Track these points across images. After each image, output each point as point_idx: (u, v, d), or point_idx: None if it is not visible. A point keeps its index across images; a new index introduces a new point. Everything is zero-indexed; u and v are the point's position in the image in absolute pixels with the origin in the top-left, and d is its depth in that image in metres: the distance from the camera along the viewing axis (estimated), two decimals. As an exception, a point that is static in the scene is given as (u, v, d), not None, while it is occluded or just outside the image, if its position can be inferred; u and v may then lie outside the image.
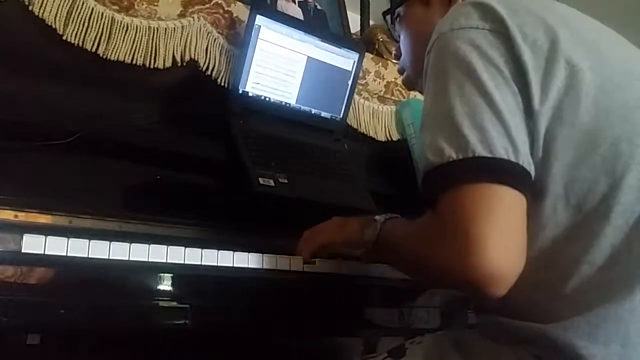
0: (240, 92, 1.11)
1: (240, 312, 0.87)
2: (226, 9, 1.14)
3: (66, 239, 0.71)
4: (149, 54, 1.03)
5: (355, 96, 1.31)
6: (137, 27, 1.02)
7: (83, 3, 0.96)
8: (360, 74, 1.28)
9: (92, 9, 0.97)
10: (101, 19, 0.98)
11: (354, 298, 1.01)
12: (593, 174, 0.63)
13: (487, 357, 0.69)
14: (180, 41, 1.07)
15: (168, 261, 0.78)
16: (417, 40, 0.90)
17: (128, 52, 1.01)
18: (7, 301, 0.67)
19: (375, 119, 1.37)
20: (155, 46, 1.04)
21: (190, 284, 0.81)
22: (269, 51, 1.12)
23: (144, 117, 1.00)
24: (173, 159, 0.96)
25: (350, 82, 1.24)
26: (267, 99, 1.15)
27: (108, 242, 0.74)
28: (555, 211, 0.64)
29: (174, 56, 1.06)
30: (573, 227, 0.63)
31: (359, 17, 1.71)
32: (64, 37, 0.95)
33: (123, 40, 1.00)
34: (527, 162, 0.62)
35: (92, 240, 0.73)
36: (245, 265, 0.85)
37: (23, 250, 0.69)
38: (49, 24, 0.93)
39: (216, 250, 0.83)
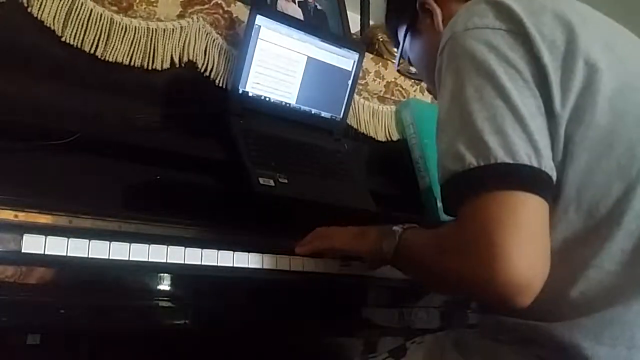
0: (240, 92, 1.11)
1: (240, 312, 0.86)
2: (226, 9, 1.14)
3: (66, 239, 0.71)
4: (148, 55, 1.03)
5: (355, 96, 1.31)
6: (135, 28, 1.02)
7: (82, 4, 0.96)
8: (360, 74, 1.28)
9: (91, 10, 0.97)
10: (100, 20, 0.98)
11: (354, 298, 1.01)
12: (607, 178, 0.62)
13: (488, 357, 0.69)
14: (179, 42, 1.07)
15: (168, 261, 0.78)
16: (426, 61, 0.90)
17: (127, 53, 1.00)
18: (7, 301, 0.67)
19: (375, 119, 1.37)
20: (154, 47, 1.04)
21: (190, 284, 0.81)
22: (269, 51, 1.12)
23: (144, 117, 1.00)
24: (173, 159, 0.96)
25: (350, 82, 1.24)
26: (267, 99, 1.15)
27: (108, 242, 0.74)
28: (566, 214, 0.63)
29: (172, 57, 1.06)
30: (583, 231, 0.63)
31: (359, 17, 1.71)
32: (63, 39, 0.95)
33: (122, 41, 1.00)
34: (549, 166, 0.60)
35: (92, 240, 0.73)
36: (245, 265, 0.85)
37: (23, 250, 0.68)
38: (48, 25, 0.93)
39: (216, 250, 0.83)
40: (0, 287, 0.67)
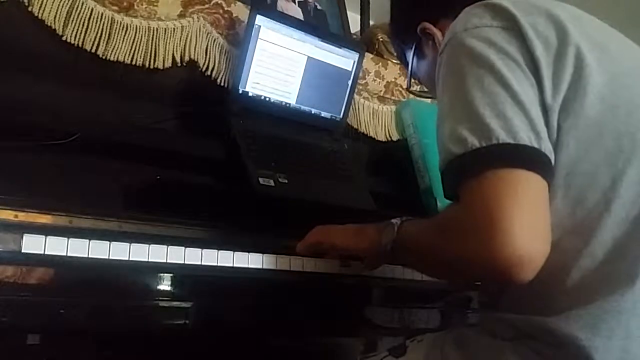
0: (240, 92, 1.11)
1: (240, 312, 0.86)
2: (226, 9, 1.14)
3: (66, 239, 0.71)
4: (149, 54, 1.03)
5: (356, 96, 1.31)
6: (136, 27, 1.02)
7: (83, 3, 0.96)
8: (360, 74, 1.28)
9: (92, 9, 0.97)
10: (101, 19, 0.98)
11: (354, 298, 1.01)
12: (595, 167, 0.64)
13: (488, 353, 0.69)
14: (180, 41, 1.07)
15: (168, 261, 0.78)
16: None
17: (128, 52, 1.01)
18: (7, 301, 0.67)
19: (375, 119, 1.37)
20: (155, 46, 1.04)
21: (190, 284, 0.81)
22: (269, 51, 1.12)
23: (144, 117, 1.00)
24: (173, 159, 0.96)
25: (350, 82, 1.24)
26: (267, 99, 1.15)
27: (108, 242, 0.74)
28: (554, 200, 0.64)
29: (173, 56, 1.06)
30: (573, 219, 0.64)
31: (359, 17, 1.71)
32: (64, 38, 0.95)
33: (123, 41, 1.00)
34: (548, 149, 0.62)
35: (92, 240, 0.73)
36: (245, 265, 0.85)
37: (23, 250, 0.68)
38: (49, 24, 0.93)
39: (216, 250, 0.83)
40: (0, 287, 0.67)
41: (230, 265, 0.84)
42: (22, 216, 0.71)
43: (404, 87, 1.12)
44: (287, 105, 1.18)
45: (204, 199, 0.97)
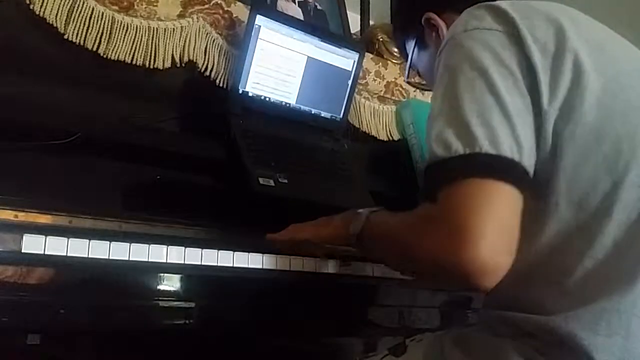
0: (240, 92, 1.11)
1: (240, 312, 0.87)
2: (226, 9, 1.14)
3: (66, 239, 0.71)
4: (149, 54, 1.03)
5: (356, 96, 1.31)
6: (136, 27, 1.02)
7: (84, 3, 0.96)
8: (360, 74, 1.28)
9: (93, 8, 0.97)
10: (101, 18, 0.98)
11: (354, 298, 1.01)
12: (595, 171, 0.64)
13: (488, 351, 0.69)
14: (180, 42, 1.07)
15: (168, 261, 0.78)
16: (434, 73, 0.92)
17: (128, 52, 1.01)
18: (7, 301, 0.67)
19: (376, 118, 1.37)
20: (155, 46, 1.04)
21: (190, 284, 0.81)
22: (269, 51, 1.12)
23: (144, 117, 1.00)
24: (173, 159, 0.96)
25: (350, 82, 1.24)
26: (267, 99, 1.15)
27: (108, 242, 0.74)
28: (558, 207, 0.65)
29: (173, 56, 1.06)
30: (576, 223, 0.65)
31: (359, 17, 1.71)
32: (65, 37, 0.95)
33: (123, 40, 1.00)
34: (528, 163, 0.63)
35: (92, 240, 0.73)
36: (245, 265, 0.85)
37: (23, 250, 0.69)
38: (50, 23, 0.93)
39: (216, 250, 0.83)
40: (0, 287, 0.67)
41: (230, 265, 0.84)
42: (22, 216, 0.71)
43: (405, 81, 1.11)
44: (287, 105, 1.18)
45: (204, 199, 0.97)
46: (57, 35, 0.94)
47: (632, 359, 0.60)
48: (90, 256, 0.72)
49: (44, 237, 0.70)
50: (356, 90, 1.28)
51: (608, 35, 0.75)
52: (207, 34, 1.10)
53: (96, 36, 0.97)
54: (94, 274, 0.74)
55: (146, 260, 0.77)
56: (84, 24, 0.96)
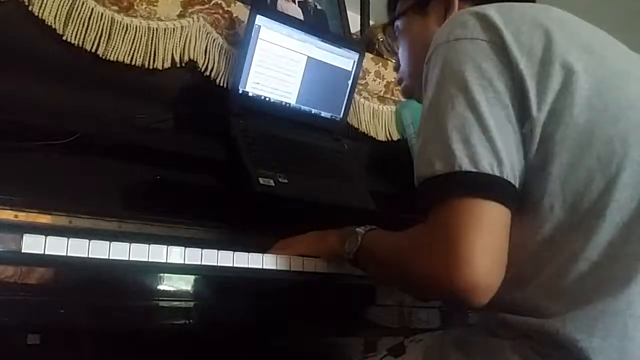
0: (240, 92, 1.11)
1: (240, 312, 0.86)
2: (226, 9, 1.14)
3: (66, 239, 0.71)
4: (149, 54, 1.03)
5: (356, 96, 1.31)
6: (136, 27, 1.02)
7: (83, 3, 0.96)
8: (360, 74, 1.28)
9: (92, 9, 0.97)
10: (101, 19, 0.98)
11: (353, 298, 1.01)
12: (589, 173, 0.64)
13: (487, 352, 0.69)
14: (180, 42, 1.07)
15: (168, 261, 0.78)
16: (416, 50, 0.91)
17: (127, 52, 1.01)
18: (7, 301, 0.67)
19: (375, 118, 1.37)
20: (155, 46, 1.04)
21: (190, 284, 0.81)
22: (269, 51, 1.12)
23: (144, 117, 1.00)
24: (173, 159, 0.96)
25: (350, 82, 1.24)
26: (267, 99, 1.15)
27: (108, 242, 0.74)
28: (552, 209, 0.65)
29: (173, 56, 1.06)
30: (570, 225, 0.65)
31: (359, 17, 1.71)
32: (64, 37, 0.95)
33: (122, 41, 1.00)
34: (511, 175, 0.64)
35: (92, 240, 0.73)
36: (245, 265, 0.85)
37: (23, 250, 0.68)
38: (49, 24, 0.93)
39: (216, 250, 0.83)
40: (0, 287, 0.67)
41: (230, 265, 0.84)
42: (22, 216, 0.71)
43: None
44: (287, 105, 1.18)
45: (204, 199, 0.97)
46: (56, 36, 0.94)
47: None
48: (90, 256, 0.72)
49: (44, 237, 0.70)
50: (356, 90, 1.28)
51: (597, 35, 0.75)
52: (207, 33, 1.11)
53: (95, 37, 0.97)
54: (94, 274, 0.73)
55: (146, 260, 0.76)
56: (83, 24, 0.96)
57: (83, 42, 0.96)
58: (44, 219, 0.73)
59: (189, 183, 0.98)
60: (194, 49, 1.08)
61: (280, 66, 1.14)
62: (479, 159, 0.63)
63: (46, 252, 0.69)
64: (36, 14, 0.92)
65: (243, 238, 0.89)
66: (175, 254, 0.79)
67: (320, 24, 1.37)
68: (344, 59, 1.22)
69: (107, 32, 0.99)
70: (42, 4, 0.92)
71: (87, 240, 0.72)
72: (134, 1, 1.02)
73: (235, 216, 0.93)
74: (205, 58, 1.10)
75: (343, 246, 0.83)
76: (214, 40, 1.12)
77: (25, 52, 0.92)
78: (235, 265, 0.84)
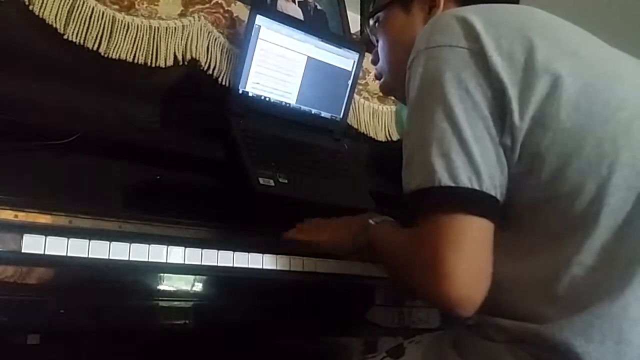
0: (240, 92, 1.11)
1: (240, 312, 0.86)
2: (226, 8, 1.14)
3: (66, 239, 0.71)
4: (150, 53, 1.03)
5: (356, 96, 1.31)
6: (138, 26, 1.02)
7: (84, 2, 0.96)
8: (360, 74, 1.28)
9: (93, 8, 0.97)
10: (102, 18, 0.98)
11: (354, 298, 1.01)
12: (579, 176, 0.63)
13: (485, 356, 0.69)
14: (182, 40, 1.07)
15: (168, 261, 0.78)
16: (397, 47, 0.89)
17: (129, 51, 1.01)
18: (7, 301, 0.67)
19: (375, 119, 1.37)
20: (156, 45, 1.04)
21: (190, 284, 0.81)
22: (269, 51, 1.12)
23: (144, 116, 1.00)
24: (173, 159, 0.96)
25: (350, 82, 1.24)
26: (267, 99, 1.15)
27: (108, 242, 0.74)
28: (543, 214, 0.65)
29: (175, 55, 1.06)
30: (563, 229, 0.64)
31: (359, 17, 1.71)
32: (65, 37, 0.95)
33: (124, 40, 1.00)
34: (491, 187, 0.64)
35: (92, 240, 0.73)
36: (245, 265, 0.85)
37: (23, 250, 0.68)
38: (49, 23, 0.93)
39: (216, 250, 0.83)
40: (0, 287, 0.67)
41: (230, 265, 0.84)
42: (22, 216, 0.71)
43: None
44: (287, 105, 1.18)
45: (204, 199, 0.97)
46: (57, 35, 0.94)
47: None
48: (90, 256, 0.72)
49: (44, 237, 0.70)
50: (356, 90, 1.28)
51: (580, 37, 0.74)
52: (209, 32, 1.11)
53: (96, 36, 0.97)
54: (94, 274, 0.73)
55: (146, 260, 0.76)
56: (84, 23, 0.96)
57: (84, 41, 0.96)
58: (44, 219, 0.73)
59: (189, 183, 0.98)
60: (196, 48, 1.08)
61: (280, 66, 1.14)
62: (458, 174, 0.63)
63: (46, 252, 0.69)
64: (37, 13, 0.92)
65: (243, 238, 0.89)
66: (175, 254, 0.79)
67: (320, 24, 1.37)
68: (344, 59, 1.22)
69: (109, 31, 0.99)
70: (42, 3, 0.92)
71: (87, 240, 0.72)
72: (135, 0, 1.02)
73: (235, 216, 0.93)
74: (207, 56, 1.10)
75: (358, 238, 0.85)
76: (215, 39, 1.12)
77: (25, 52, 0.92)
78: (235, 265, 0.84)
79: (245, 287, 0.87)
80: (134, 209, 0.84)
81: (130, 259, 0.75)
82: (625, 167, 0.63)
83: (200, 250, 0.82)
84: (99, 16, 0.98)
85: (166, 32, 1.05)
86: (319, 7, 1.38)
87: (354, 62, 1.23)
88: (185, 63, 1.08)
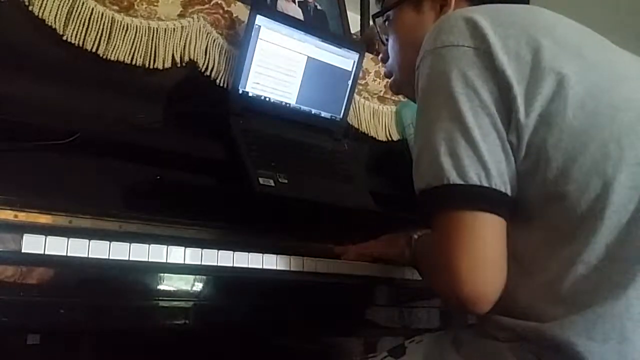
0: (240, 92, 1.11)
1: (240, 312, 0.86)
2: (226, 9, 1.14)
3: (66, 239, 0.71)
4: (149, 54, 1.03)
5: (356, 96, 1.31)
6: (137, 27, 1.02)
7: (83, 3, 0.96)
8: (360, 74, 1.28)
9: (92, 9, 0.97)
10: (101, 19, 0.98)
11: (354, 298, 1.01)
12: (584, 176, 0.64)
13: (486, 355, 0.69)
14: (180, 41, 1.07)
15: (168, 261, 0.78)
16: (407, 46, 0.90)
17: (128, 52, 1.01)
18: (7, 301, 0.67)
19: (375, 118, 1.37)
20: (155, 46, 1.04)
21: (190, 284, 0.81)
22: (269, 51, 1.12)
23: (144, 117, 1.00)
24: (173, 159, 0.96)
25: (350, 82, 1.24)
26: (267, 99, 1.15)
27: (108, 242, 0.74)
28: (549, 212, 0.65)
29: (173, 56, 1.06)
30: (567, 228, 0.64)
31: (359, 17, 1.71)
32: (64, 37, 0.95)
33: (123, 41, 1.00)
34: (500, 183, 0.65)
35: (92, 240, 0.73)
36: (245, 265, 0.85)
37: (23, 250, 0.68)
38: (49, 24, 0.93)
39: (216, 250, 0.83)
40: (0, 287, 0.67)
41: (230, 265, 0.84)
42: (22, 216, 0.71)
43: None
44: (287, 105, 1.18)
45: (204, 199, 0.97)
46: (56, 36, 0.94)
47: None
48: (90, 256, 0.72)
49: (44, 237, 0.70)
50: (356, 90, 1.28)
51: (587, 37, 0.74)
52: (207, 33, 1.11)
53: (96, 36, 0.97)
54: (94, 274, 0.73)
55: (146, 260, 0.76)
56: (84, 24, 0.96)
57: (83, 42, 0.96)
58: (44, 219, 0.73)
59: (189, 183, 0.98)
60: (195, 49, 1.08)
61: (280, 66, 1.14)
62: (467, 171, 0.64)
63: (46, 252, 0.69)
64: (36, 13, 0.92)
65: (243, 238, 0.89)
66: (176, 254, 0.79)
67: (320, 24, 1.37)
68: (344, 59, 1.22)
69: (108, 32, 0.99)
70: (42, 4, 0.92)
71: (87, 240, 0.72)
72: (135, 1, 1.02)
73: (235, 216, 0.93)
74: (205, 58, 1.10)
75: (405, 254, 0.91)
76: (214, 41, 1.12)
77: (25, 52, 0.92)
78: (235, 265, 0.84)
79: (245, 287, 0.87)
80: (134, 209, 0.84)
81: (131, 259, 0.75)
82: (630, 167, 0.63)
83: (200, 250, 0.82)
84: (98, 17, 0.98)
85: (165, 34, 1.05)
86: (319, 7, 1.38)
87: (354, 62, 1.23)
88: (184, 64, 1.07)
